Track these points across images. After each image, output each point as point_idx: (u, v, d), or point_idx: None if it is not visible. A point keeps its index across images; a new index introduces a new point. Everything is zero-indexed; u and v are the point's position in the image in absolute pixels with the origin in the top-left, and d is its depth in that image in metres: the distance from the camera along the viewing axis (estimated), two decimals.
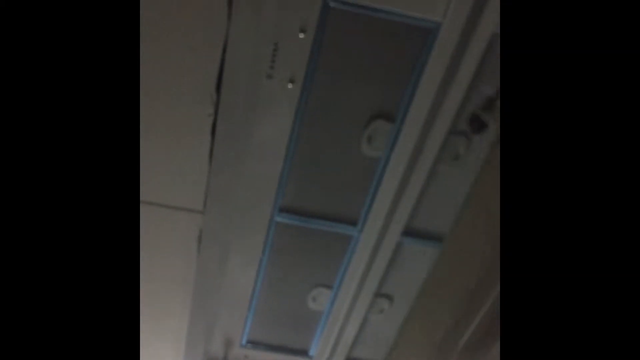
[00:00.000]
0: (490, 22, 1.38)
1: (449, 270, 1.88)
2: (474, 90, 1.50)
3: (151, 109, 1.52)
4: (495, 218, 1.65)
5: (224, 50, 1.43)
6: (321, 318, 2.10)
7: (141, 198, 1.72)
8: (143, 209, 1.74)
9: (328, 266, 1.94)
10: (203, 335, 2.14)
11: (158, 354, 2.22)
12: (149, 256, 1.87)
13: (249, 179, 1.68)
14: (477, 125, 1.56)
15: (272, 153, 1.63)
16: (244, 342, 2.19)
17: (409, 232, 1.81)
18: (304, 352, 2.23)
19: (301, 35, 1.41)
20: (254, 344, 2.20)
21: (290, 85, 1.49)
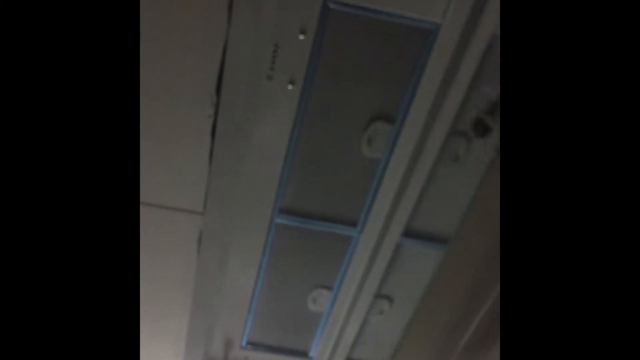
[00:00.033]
0: (490, 23, 1.38)
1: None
2: (474, 92, 1.50)
3: (151, 109, 1.52)
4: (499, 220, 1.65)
5: (224, 52, 1.43)
6: (321, 319, 2.10)
7: (141, 199, 1.72)
8: (143, 210, 1.74)
9: (328, 267, 1.94)
10: (203, 337, 2.13)
11: (158, 355, 2.22)
12: (149, 257, 1.87)
13: (249, 180, 1.68)
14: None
15: (272, 154, 1.63)
16: (244, 343, 2.19)
17: (409, 233, 1.81)
18: (304, 354, 2.23)
19: (301, 37, 1.42)
20: (254, 345, 2.20)
21: (290, 87, 1.49)
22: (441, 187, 1.71)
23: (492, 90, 1.50)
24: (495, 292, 1.86)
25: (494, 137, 1.57)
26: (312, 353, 2.22)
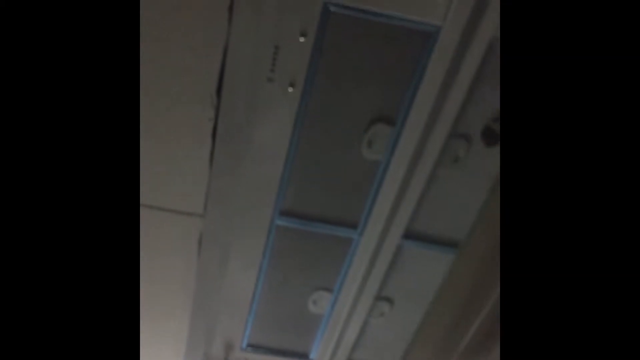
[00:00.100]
0: (490, 25, 1.38)
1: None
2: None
3: (151, 111, 1.52)
4: None
5: (225, 53, 1.43)
6: (322, 321, 2.10)
7: (142, 201, 1.72)
8: (144, 213, 1.75)
9: (328, 269, 1.94)
10: (203, 339, 2.13)
11: (158, 356, 2.22)
12: (149, 259, 1.87)
13: (249, 182, 1.68)
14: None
15: (273, 156, 1.63)
16: (244, 345, 2.18)
17: (410, 235, 1.81)
18: (304, 356, 2.23)
19: (302, 39, 1.42)
20: (254, 347, 2.20)
21: (290, 89, 1.49)
22: (441, 189, 1.71)
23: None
24: (496, 293, 1.86)
25: None
26: (313, 355, 2.22)
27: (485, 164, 1.65)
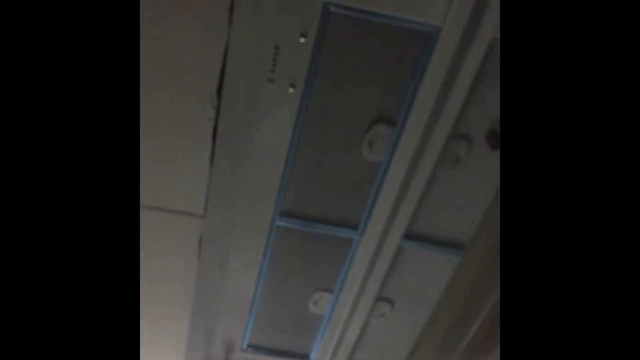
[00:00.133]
0: (491, 25, 1.38)
1: (467, 278, 1.88)
2: (475, 94, 1.51)
3: (152, 111, 1.52)
4: None
5: (225, 54, 1.43)
6: (322, 322, 2.10)
7: (142, 202, 1.72)
8: (144, 213, 1.75)
9: (329, 270, 1.94)
10: (204, 339, 2.13)
11: (159, 357, 2.22)
12: (150, 260, 1.87)
13: (249, 183, 1.68)
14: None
15: (273, 157, 1.63)
16: (244, 346, 2.18)
17: (410, 235, 1.81)
18: (305, 356, 2.23)
19: (302, 40, 1.42)
20: (254, 347, 2.20)
21: (291, 90, 1.50)
22: (442, 190, 1.71)
23: None
24: (496, 294, 1.86)
25: None
26: (313, 356, 2.22)
27: (486, 165, 1.65)
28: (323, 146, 1.63)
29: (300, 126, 1.57)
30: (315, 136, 1.60)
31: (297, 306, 2.05)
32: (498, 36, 1.40)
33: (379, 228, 1.78)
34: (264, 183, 1.69)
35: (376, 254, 1.85)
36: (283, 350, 2.21)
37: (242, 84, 1.48)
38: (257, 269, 1.91)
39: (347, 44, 1.44)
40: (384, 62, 1.46)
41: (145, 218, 1.75)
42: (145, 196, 1.71)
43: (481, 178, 1.68)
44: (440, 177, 1.68)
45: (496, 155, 1.62)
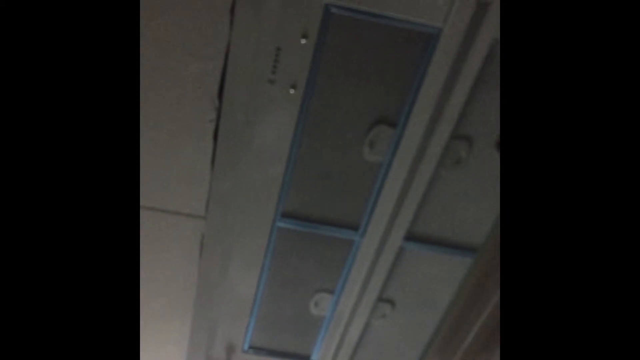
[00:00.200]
0: (492, 27, 1.38)
1: (481, 283, 1.88)
2: (476, 95, 1.51)
3: (153, 113, 1.53)
4: None
5: (226, 56, 1.43)
6: (323, 323, 2.10)
7: (144, 203, 1.72)
8: (146, 215, 1.75)
9: (330, 271, 1.94)
10: (205, 341, 2.13)
11: (160, 359, 2.22)
12: (151, 261, 1.88)
13: (250, 184, 1.68)
14: None
15: (274, 158, 1.63)
16: (246, 347, 2.18)
17: (411, 236, 1.81)
18: (306, 358, 2.23)
19: (303, 41, 1.42)
20: (256, 349, 2.20)
21: (292, 91, 1.50)
22: (443, 191, 1.71)
23: None
24: (497, 295, 1.86)
25: None
26: (315, 357, 2.22)
27: (487, 166, 1.65)
28: (324, 147, 1.63)
29: (301, 127, 1.57)
30: (316, 137, 1.60)
31: (298, 307, 2.05)
32: (498, 37, 1.40)
33: (380, 229, 1.78)
34: (265, 184, 1.69)
35: (377, 255, 1.85)
36: (284, 352, 2.21)
37: (243, 85, 1.48)
38: (258, 270, 1.92)
39: (348, 45, 1.44)
40: (384, 63, 1.46)
41: (147, 219, 1.76)
42: (147, 197, 1.71)
43: (482, 179, 1.68)
44: (441, 178, 1.68)
45: (497, 156, 1.62)
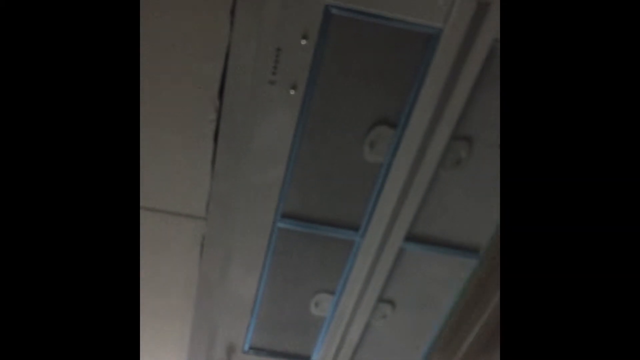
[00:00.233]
0: (492, 27, 1.38)
1: (482, 283, 1.88)
2: (476, 96, 1.51)
3: (153, 113, 1.53)
4: None
5: (227, 56, 1.43)
6: (324, 324, 2.10)
7: (144, 204, 1.72)
8: (146, 216, 1.75)
9: (330, 272, 1.94)
10: (205, 342, 2.13)
11: None
12: (151, 262, 1.88)
13: (251, 185, 1.68)
14: None
15: (274, 158, 1.63)
16: (246, 348, 2.18)
17: (411, 237, 1.81)
18: (306, 358, 2.23)
19: (303, 42, 1.42)
20: (256, 350, 2.20)
21: (292, 91, 1.50)
22: (443, 192, 1.71)
23: None
24: (497, 297, 1.86)
25: None
26: (315, 357, 2.22)
27: (488, 166, 1.65)
28: (324, 148, 1.63)
29: (302, 128, 1.57)
30: (316, 138, 1.60)
31: (299, 308, 2.05)
32: (499, 37, 1.40)
33: (381, 230, 1.78)
34: (266, 185, 1.69)
35: (378, 255, 1.85)
36: (285, 352, 2.21)
37: (244, 85, 1.48)
38: (258, 270, 1.92)
39: (348, 45, 1.44)
40: (385, 64, 1.46)
41: (147, 220, 1.76)
42: (147, 198, 1.71)
43: (482, 179, 1.68)
44: (441, 179, 1.68)
45: (497, 157, 1.62)
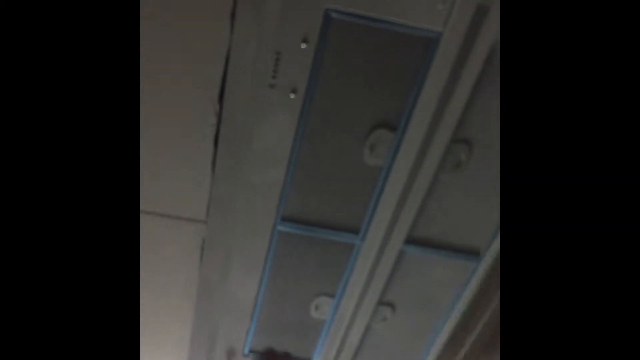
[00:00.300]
0: (492, 31, 1.39)
1: (486, 287, 1.88)
2: (476, 99, 1.51)
3: (153, 117, 1.53)
4: None
5: (227, 60, 1.44)
6: (324, 327, 2.10)
7: (144, 208, 1.72)
8: (146, 219, 1.75)
9: (330, 275, 1.94)
10: (205, 345, 2.13)
11: None
12: (152, 266, 1.87)
13: (251, 188, 1.68)
14: None
15: (275, 162, 1.63)
16: (246, 351, 2.18)
17: (411, 240, 1.81)
18: None
19: (303, 46, 1.42)
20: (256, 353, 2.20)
21: (292, 95, 1.50)
22: (443, 194, 1.71)
23: None
24: (498, 298, 1.86)
25: None
26: None
27: (487, 169, 1.65)
28: (324, 151, 1.63)
29: (302, 131, 1.58)
30: (316, 141, 1.60)
31: (299, 311, 2.05)
32: (498, 41, 1.40)
33: (381, 233, 1.78)
34: (266, 188, 1.69)
35: (378, 258, 1.85)
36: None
37: (244, 89, 1.48)
38: (258, 273, 1.92)
39: (348, 49, 1.44)
40: (385, 68, 1.47)
41: (147, 224, 1.76)
42: (147, 202, 1.71)
43: (482, 182, 1.68)
44: (441, 182, 1.68)
45: (497, 159, 1.62)
